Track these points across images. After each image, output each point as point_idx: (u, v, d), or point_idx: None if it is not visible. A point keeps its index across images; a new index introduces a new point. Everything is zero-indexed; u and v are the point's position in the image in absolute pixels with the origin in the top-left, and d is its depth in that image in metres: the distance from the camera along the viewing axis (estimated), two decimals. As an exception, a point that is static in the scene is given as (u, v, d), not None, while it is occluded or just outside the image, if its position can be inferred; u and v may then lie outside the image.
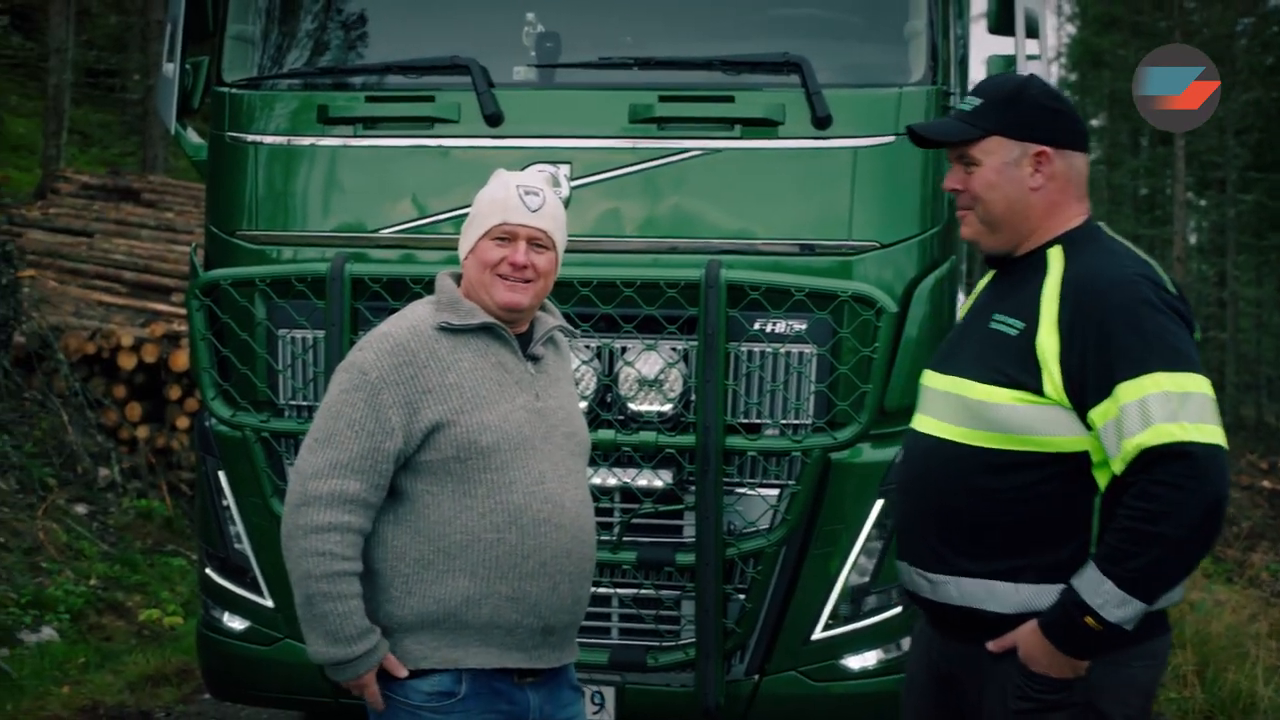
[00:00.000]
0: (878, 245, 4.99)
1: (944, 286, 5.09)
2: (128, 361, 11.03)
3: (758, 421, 5.01)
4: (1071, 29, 47.38)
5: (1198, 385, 3.17)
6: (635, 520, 5.03)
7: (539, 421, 3.57)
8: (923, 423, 3.57)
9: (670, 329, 4.94)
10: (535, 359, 3.67)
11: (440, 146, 5.18)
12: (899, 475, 3.77)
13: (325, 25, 5.75)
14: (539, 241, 3.61)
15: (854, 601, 5.05)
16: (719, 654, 4.95)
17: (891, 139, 5.00)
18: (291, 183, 5.38)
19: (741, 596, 5.03)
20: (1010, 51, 5.35)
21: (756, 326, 4.93)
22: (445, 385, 3.49)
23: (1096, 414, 3.20)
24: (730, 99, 5.03)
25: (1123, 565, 3.14)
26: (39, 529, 9.45)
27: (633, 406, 5.02)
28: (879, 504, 5.00)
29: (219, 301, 5.28)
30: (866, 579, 5.05)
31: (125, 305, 12.30)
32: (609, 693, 5.06)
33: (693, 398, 4.95)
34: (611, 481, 5.00)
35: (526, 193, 3.61)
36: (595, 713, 5.02)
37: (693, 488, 4.94)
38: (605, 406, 5.03)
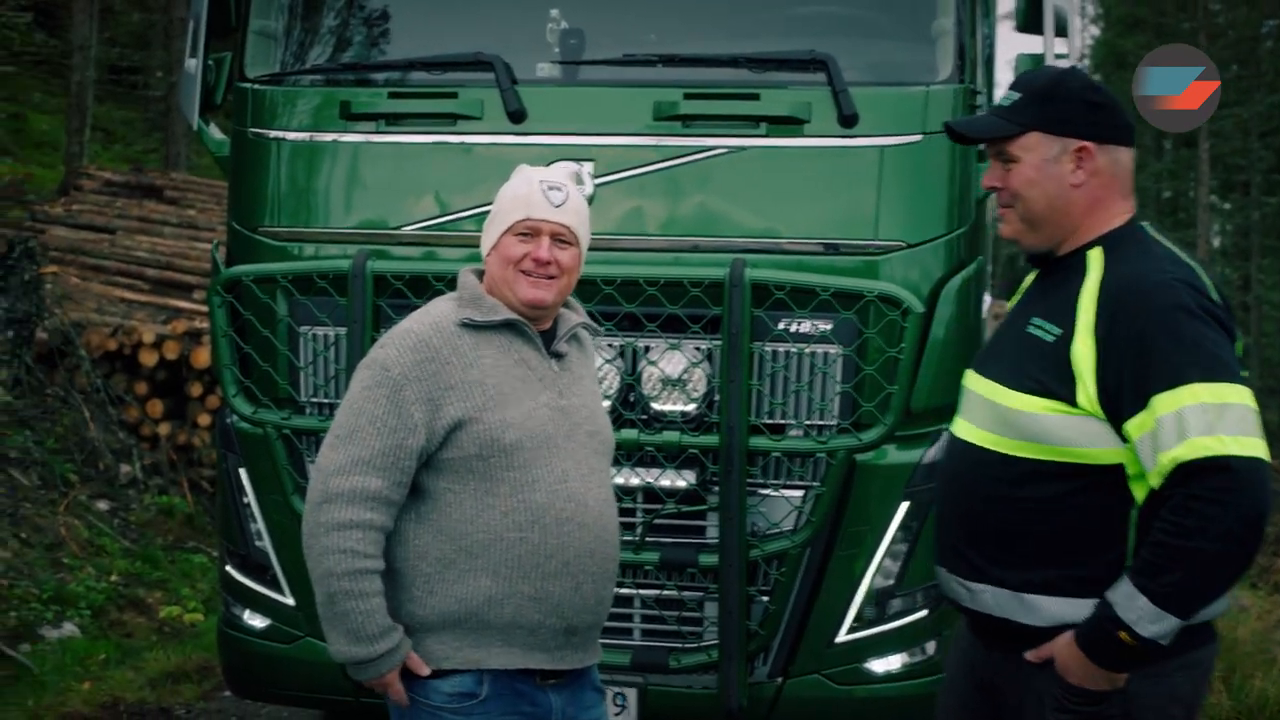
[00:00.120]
0: (904, 245, 4.95)
1: (971, 287, 5.05)
2: (149, 358, 11.04)
3: (782, 422, 4.97)
4: (1095, 30, 47.29)
5: (1238, 396, 3.07)
6: (658, 521, 4.99)
7: (562, 419, 3.54)
8: (961, 427, 3.50)
9: (694, 328, 4.90)
10: (559, 356, 3.64)
11: (463, 143, 5.15)
12: (938, 479, 3.70)
13: (348, 21, 5.73)
14: (562, 237, 3.57)
15: (879, 604, 5.01)
16: (742, 656, 4.91)
17: (918, 138, 4.96)
18: (314, 179, 5.35)
19: (765, 598, 4.99)
20: (1038, 50, 5.29)
21: (781, 326, 4.89)
22: (468, 382, 3.45)
23: (1132, 426, 3.12)
24: (756, 97, 4.99)
25: (1156, 581, 3.06)
26: (61, 525, 9.45)
27: (656, 406, 4.98)
28: (904, 506, 4.96)
29: (241, 298, 5.26)
30: (891, 582, 5.00)
31: (147, 302, 12.31)
32: (631, 694, 5.03)
33: (716, 398, 4.91)
34: (634, 481, 4.97)
35: (550, 188, 3.57)
36: (617, 714, 4.98)
37: (716, 488, 4.90)
38: (628, 406, 4.99)
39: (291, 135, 5.34)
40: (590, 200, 4.83)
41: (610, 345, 4.97)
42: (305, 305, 5.17)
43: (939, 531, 3.61)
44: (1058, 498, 3.24)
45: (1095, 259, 3.30)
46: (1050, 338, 3.26)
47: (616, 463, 4.57)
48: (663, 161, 5.02)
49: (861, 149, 4.95)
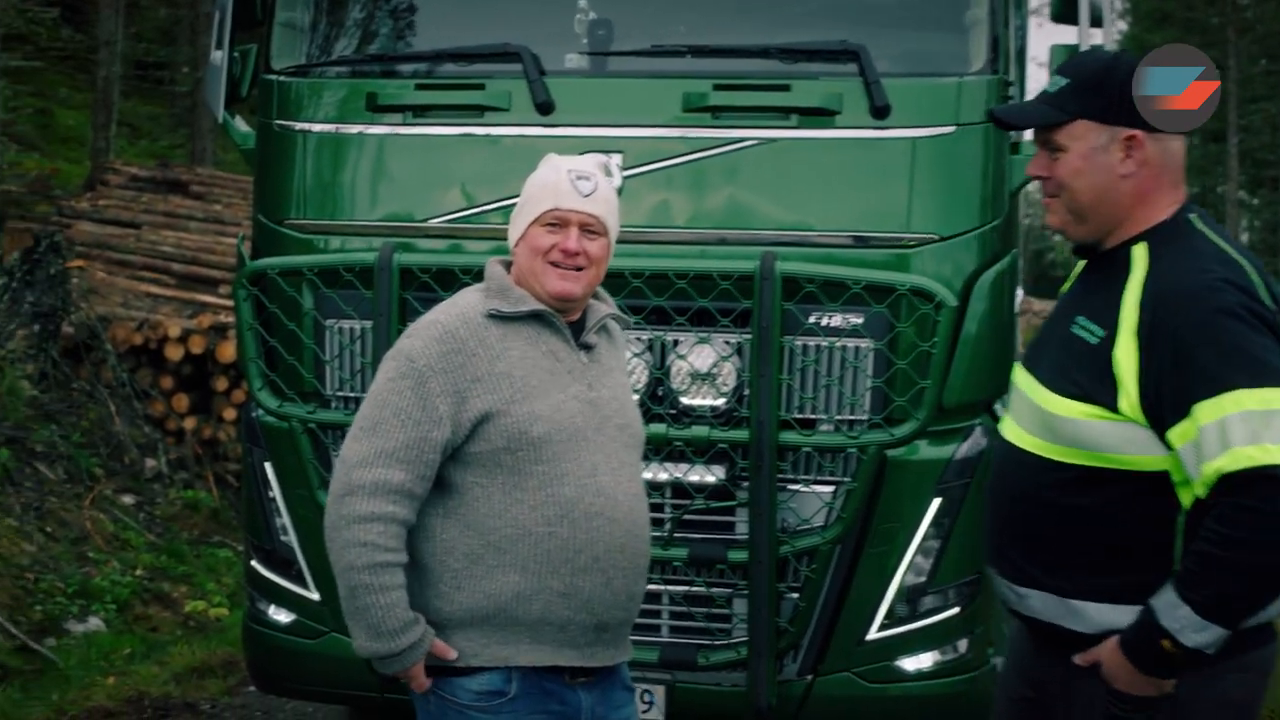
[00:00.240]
0: (936, 238, 4.89)
1: (1004, 281, 4.98)
2: (175, 353, 11.05)
3: (812, 417, 4.92)
4: (1123, 25, 47.07)
5: None
6: (687, 516, 4.94)
7: (591, 412, 3.48)
8: (1008, 427, 3.42)
9: (724, 322, 4.84)
10: (588, 348, 3.58)
11: (490, 135, 5.11)
12: (987, 480, 3.62)
13: (374, 12, 5.70)
14: (591, 227, 3.52)
15: (910, 602, 4.96)
16: (771, 653, 4.87)
17: (951, 129, 4.90)
18: (339, 171, 5.32)
19: (795, 595, 4.94)
20: (1073, 41, 5.23)
21: (812, 320, 4.84)
22: (495, 374, 3.41)
23: (1175, 435, 3.03)
24: (786, 88, 4.94)
25: (1199, 591, 2.99)
26: (86, 519, 9.45)
27: (685, 400, 4.94)
28: (936, 502, 4.91)
29: (266, 291, 5.23)
30: (923, 579, 4.95)
31: (173, 297, 12.30)
32: (659, 691, 4.99)
33: (746, 392, 4.86)
34: (663, 476, 4.92)
35: (578, 177, 3.52)
36: (645, 711, 4.94)
37: (746, 484, 4.86)
38: (657, 400, 4.95)
39: (317, 127, 5.31)
40: (619, 193, 4.77)
41: (639, 339, 4.92)
42: (331, 298, 5.14)
43: (988, 533, 3.53)
44: (1103, 504, 3.16)
45: (1140, 255, 3.21)
46: (1094, 339, 3.17)
47: (645, 457, 4.53)
48: (692, 153, 4.97)
49: (893, 141, 4.89)
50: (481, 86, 5.10)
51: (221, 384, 11.15)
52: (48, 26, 21.06)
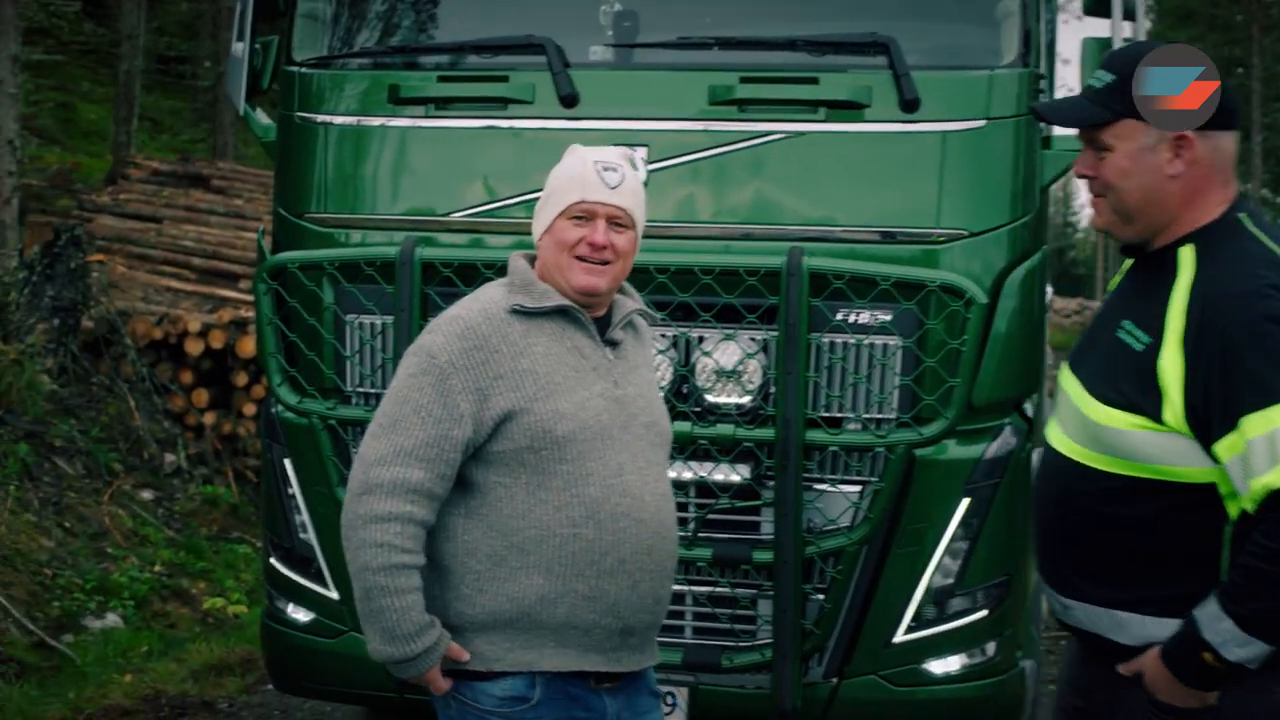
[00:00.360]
0: (966, 234, 4.81)
1: (1035, 278, 4.91)
2: (195, 347, 11.02)
3: (839, 415, 4.85)
4: (1147, 23, 46.93)
5: None
6: (711, 516, 4.87)
7: (617, 410, 3.40)
8: (1053, 433, 3.33)
9: (750, 318, 4.78)
10: (614, 344, 3.51)
11: (514, 128, 5.05)
12: (1034, 489, 3.54)
13: (396, 4, 5.64)
14: (618, 220, 3.44)
15: (938, 604, 4.89)
16: (796, 656, 4.80)
17: (982, 123, 4.83)
18: (361, 164, 5.27)
19: (820, 596, 4.88)
20: (1105, 34, 5.15)
21: (839, 317, 4.77)
22: (518, 371, 3.33)
23: (1222, 448, 2.94)
24: (814, 80, 4.87)
25: (1243, 605, 2.91)
26: (105, 514, 9.43)
27: (710, 398, 4.87)
28: (965, 502, 4.84)
29: (286, 285, 5.18)
30: (951, 580, 4.89)
31: (193, 291, 12.29)
32: (682, 694, 4.94)
33: (772, 390, 4.79)
34: (687, 475, 4.85)
35: (605, 168, 3.44)
36: (668, 714, 4.88)
37: (771, 483, 4.79)
38: (681, 398, 4.88)
39: (339, 120, 5.25)
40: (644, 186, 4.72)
41: (663, 335, 4.85)
42: (352, 293, 5.08)
43: (1035, 544, 3.45)
44: (1148, 516, 3.08)
45: (1187, 258, 3.11)
46: (1139, 346, 3.08)
47: (669, 456, 4.47)
48: (718, 147, 4.90)
49: (923, 134, 4.82)
50: (505, 79, 5.05)
51: (241, 379, 11.12)
52: (70, 20, 21.10)
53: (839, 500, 4.85)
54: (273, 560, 5.50)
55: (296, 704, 6.90)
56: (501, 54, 5.10)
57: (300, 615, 5.38)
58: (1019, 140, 4.85)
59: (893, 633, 4.90)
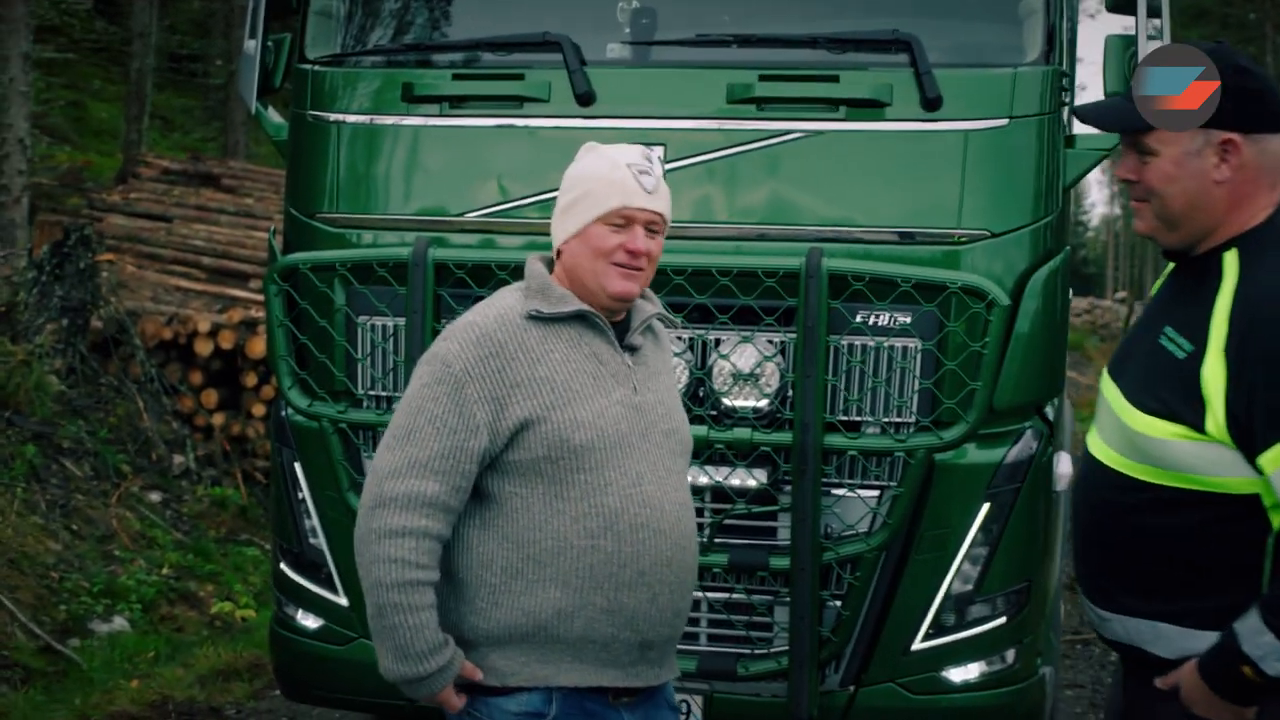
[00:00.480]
0: (988, 234, 4.74)
1: (1058, 279, 4.83)
2: (204, 348, 10.98)
3: (858, 419, 4.78)
4: (1157, 22, 46.78)
5: None
6: (727, 521, 4.81)
7: (637, 418, 3.32)
8: (1093, 440, 3.25)
9: (768, 320, 4.71)
10: (633, 349, 3.43)
11: (529, 127, 4.98)
12: (1073, 498, 3.46)
13: (410, 1, 5.57)
14: (654, 225, 3.37)
15: (957, 610, 4.82)
16: (813, 663, 4.73)
17: (1005, 122, 4.76)
18: (374, 163, 5.20)
19: (838, 603, 4.80)
20: (1129, 31, 5.08)
21: (859, 319, 4.71)
22: (535, 379, 3.25)
23: (1266, 460, 2.87)
24: (835, 79, 4.80)
25: None
26: (112, 516, 9.38)
27: (727, 401, 4.80)
28: (985, 508, 4.77)
29: (297, 286, 5.11)
30: (970, 587, 4.81)
31: (203, 291, 12.25)
32: (696, 702, 4.86)
33: (790, 393, 4.72)
34: (703, 480, 4.78)
35: (640, 172, 3.36)
36: (683, 722, 4.82)
37: (788, 488, 4.72)
38: (698, 401, 4.81)
39: (352, 118, 5.19)
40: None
41: (679, 338, 4.78)
42: (364, 294, 5.02)
43: (1074, 556, 3.37)
44: (1189, 526, 3.00)
45: (1231, 264, 3.03)
46: (1181, 354, 3.01)
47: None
48: (736, 146, 4.83)
49: (945, 133, 4.75)
50: (520, 77, 4.98)
51: (251, 380, 11.08)
52: (81, 19, 21.13)
53: (857, 505, 4.78)
54: (281, 565, 5.43)
55: (304, 710, 6.85)
56: (517, 52, 5.03)
57: (309, 621, 5.31)
58: (1042, 139, 4.78)
59: (911, 640, 4.83)
